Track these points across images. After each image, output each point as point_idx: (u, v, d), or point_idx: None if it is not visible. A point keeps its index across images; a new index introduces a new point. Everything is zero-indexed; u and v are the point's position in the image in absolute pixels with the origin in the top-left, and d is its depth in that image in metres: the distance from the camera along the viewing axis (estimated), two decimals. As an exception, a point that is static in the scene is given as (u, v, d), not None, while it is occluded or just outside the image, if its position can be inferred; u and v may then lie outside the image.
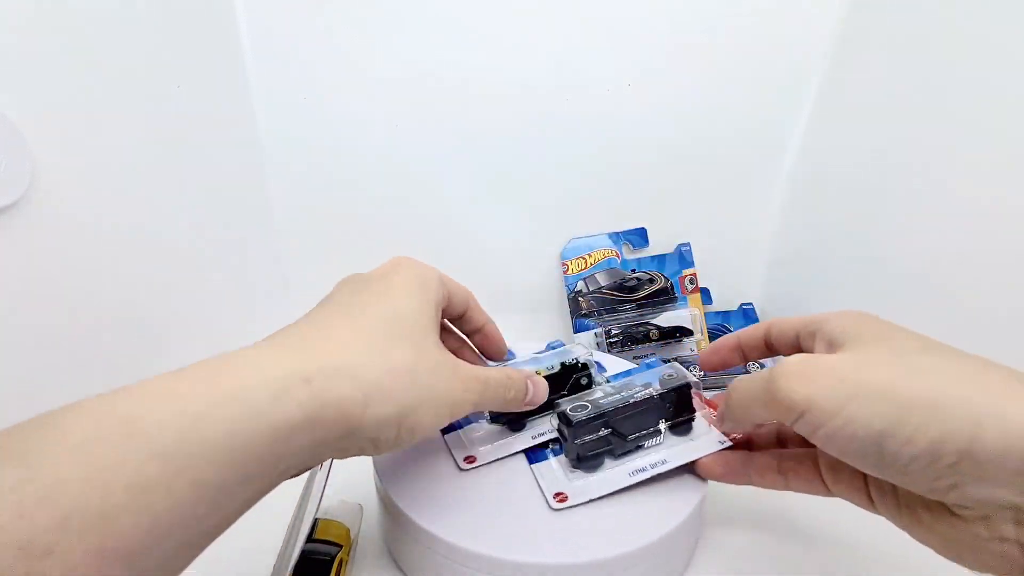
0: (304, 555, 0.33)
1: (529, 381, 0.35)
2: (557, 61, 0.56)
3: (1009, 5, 0.40)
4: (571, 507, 0.33)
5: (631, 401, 0.35)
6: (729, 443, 0.35)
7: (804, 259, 0.61)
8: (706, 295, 0.64)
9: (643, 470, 0.35)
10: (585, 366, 0.40)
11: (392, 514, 0.34)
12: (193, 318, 0.50)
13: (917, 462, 0.23)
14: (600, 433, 0.35)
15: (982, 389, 0.23)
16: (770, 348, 0.34)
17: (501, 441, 0.38)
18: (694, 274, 0.63)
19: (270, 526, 0.33)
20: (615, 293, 0.61)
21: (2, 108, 0.34)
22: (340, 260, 0.57)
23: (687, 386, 0.36)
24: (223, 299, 0.54)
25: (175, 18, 0.47)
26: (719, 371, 0.36)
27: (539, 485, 0.35)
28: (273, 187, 0.60)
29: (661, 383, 0.36)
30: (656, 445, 0.36)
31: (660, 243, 0.63)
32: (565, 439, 0.35)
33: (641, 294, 0.61)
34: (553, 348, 0.44)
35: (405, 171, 0.59)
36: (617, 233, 0.62)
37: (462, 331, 0.37)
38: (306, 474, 0.35)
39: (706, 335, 0.61)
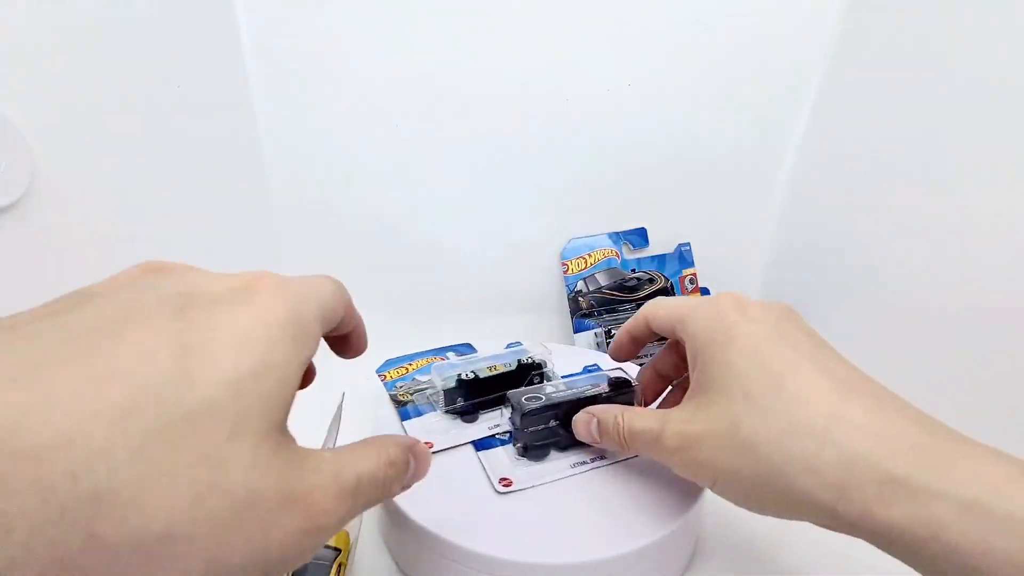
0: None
1: (410, 454, 0.24)
2: (557, 61, 0.56)
3: (1009, 4, 0.40)
4: (516, 491, 0.34)
5: (580, 397, 0.36)
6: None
7: (804, 259, 0.61)
8: (706, 295, 0.62)
9: (583, 463, 0.36)
10: (540, 365, 0.43)
11: (392, 515, 0.34)
12: None
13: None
14: (549, 424, 0.36)
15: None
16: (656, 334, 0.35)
17: (455, 431, 0.40)
18: (694, 274, 0.63)
19: None
20: (615, 293, 0.61)
21: (2, 108, 0.34)
22: (341, 259, 0.61)
23: (630, 385, 0.37)
24: None
25: (175, 18, 0.47)
26: (629, 360, 0.38)
27: (485, 470, 0.36)
28: (274, 186, 0.59)
29: (608, 383, 0.38)
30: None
31: (660, 243, 0.64)
32: (516, 427, 0.37)
33: (641, 294, 0.61)
34: (511, 347, 0.46)
35: (405, 171, 0.59)
36: (617, 233, 0.62)
37: (333, 348, 0.27)
38: None
39: None
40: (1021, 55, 0.40)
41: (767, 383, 0.26)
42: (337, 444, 0.38)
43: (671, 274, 0.63)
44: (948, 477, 0.21)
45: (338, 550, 0.34)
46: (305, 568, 0.32)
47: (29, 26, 0.36)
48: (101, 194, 0.42)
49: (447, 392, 0.40)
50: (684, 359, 0.32)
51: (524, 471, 0.36)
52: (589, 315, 0.62)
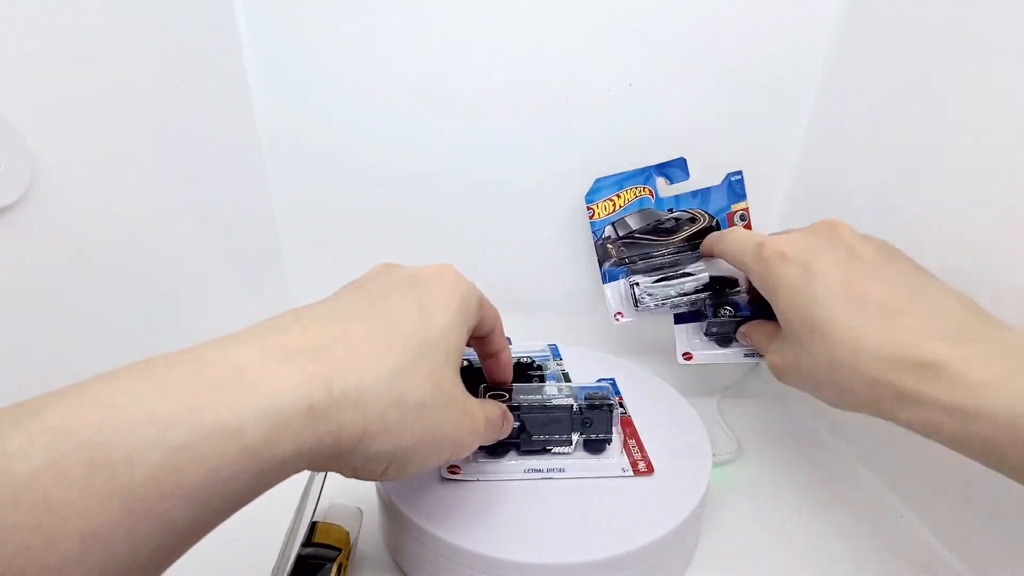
0: (302, 559, 0.33)
1: (505, 418, 0.35)
2: (557, 60, 0.56)
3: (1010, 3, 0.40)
4: (462, 480, 0.36)
5: (544, 404, 0.37)
6: (631, 473, 0.37)
7: None
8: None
9: (539, 471, 0.37)
10: (540, 367, 0.44)
11: (392, 515, 0.35)
12: (193, 318, 0.50)
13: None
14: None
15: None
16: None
17: None
18: (745, 209, 0.52)
19: (269, 529, 0.34)
20: (649, 237, 0.52)
21: (2, 108, 0.35)
22: (341, 259, 0.62)
23: (609, 408, 0.37)
24: (224, 298, 0.55)
25: (175, 18, 0.48)
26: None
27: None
28: (274, 186, 0.60)
29: (586, 398, 0.38)
30: (564, 454, 0.38)
31: (704, 175, 0.53)
32: None
33: (680, 236, 0.51)
34: (551, 347, 0.50)
35: (406, 170, 0.59)
36: (650, 167, 0.52)
37: (478, 353, 0.37)
38: (305, 476, 0.37)
39: None
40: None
41: (805, 323, 0.34)
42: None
43: (717, 211, 0.52)
44: (939, 387, 0.28)
45: (338, 550, 0.34)
46: (306, 567, 0.33)
47: (29, 26, 0.37)
48: (101, 194, 0.42)
49: None
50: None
51: (479, 464, 0.37)
52: (620, 264, 0.53)
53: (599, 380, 0.46)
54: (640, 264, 0.52)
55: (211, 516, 0.19)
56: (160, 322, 0.46)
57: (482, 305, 0.31)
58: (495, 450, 0.37)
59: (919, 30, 0.46)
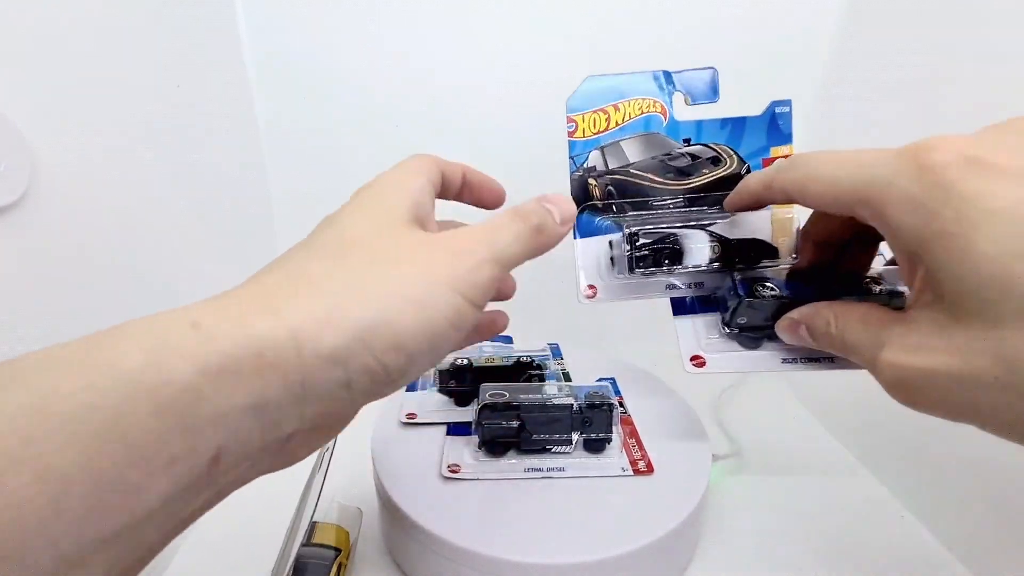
0: (302, 559, 0.33)
1: (544, 203, 0.26)
2: (557, 61, 0.55)
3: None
4: (462, 480, 0.36)
5: (544, 404, 0.36)
6: (631, 472, 0.37)
7: None
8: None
9: (538, 470, 0.36)
10: (539, 366, 0.43)
11: (392, 514, 0.35)
12: None
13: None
14: (511, 423, 0.36)
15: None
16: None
17: (441, 412, 0.42)
18: (789, 155, 0.36)
19: (269, 529, 0.34)
20: (652, 177, 0.36)
21: (2, 108, 0.35)
22: None
23: (609, 407, 0.37)
24: None
25: (175, 17, 0.48)
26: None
27: (443, 453, 0.37)
28: (274, 186, 0.60)
29: (586, 397, 0.38)
30: (564, 453, 0.38)
31: (740, 101, 0.36)
32: (475, 419, 0.37)
33: (695, 181, 0.35)
34: (551, 345, 0.50)
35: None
36: (667, 73, 0.35)
37: (465, 199, 0.33)
38: (305, 476, 0.36)
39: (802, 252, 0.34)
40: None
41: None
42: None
43: (751, 153, 0.36)
44: None
45: (338, 550, 0.34)
46: (305, 567, 0.32)
47: (29, 26, 0.36)
48: (101, 194, 0.42)
49: (440, 373, 0.42)
50: (849, 221, 0.26)
51: (479, 463, 0.37)
52: (605, 210, 0.37)
53: (599, 380, 0.46)
54: (631, 215, 0.36)
55: (115, 469, 0.17)
56: None
57: (438, 162, 0.28)
58: (495, 449, 0.37)
59: (919, 33, 0.46)
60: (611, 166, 0.36)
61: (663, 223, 0.34)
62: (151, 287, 0.46)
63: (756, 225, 0.33)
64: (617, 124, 0.36)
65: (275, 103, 0.56)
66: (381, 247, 0.22)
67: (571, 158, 0.36)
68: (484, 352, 0.44)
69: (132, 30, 0.43)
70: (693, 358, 0.34)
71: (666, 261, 0.33)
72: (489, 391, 0.37)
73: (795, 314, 0.29)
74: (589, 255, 0.35)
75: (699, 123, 0.36)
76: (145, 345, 0.17)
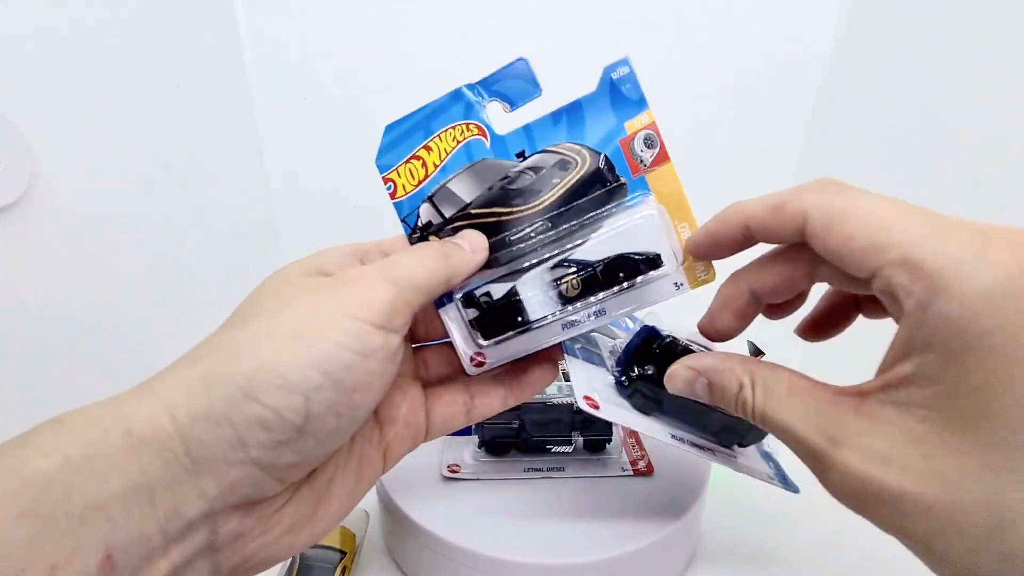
0: (306, 561, 0.33)
1: (458, 240, 0.26)
2: (558, 63, 0.53)
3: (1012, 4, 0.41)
4: (462, 480, 0.36)
5: (544, 403, 0.36)
6: (631, 472, 0.36)
7: None
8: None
9: (538, 470, 0.36)
10: None
11: (392, 515, 0.35)
12: (193, 317, 0.51)
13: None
14: (511, 423, 0.36)
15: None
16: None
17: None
18: (651, 125, 0.28)
19: None
20: (497, 210, 0.29)
21: (2, 108, 0.35)
22: None
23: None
24: (223, 299, 0.61)
25: (175, 18, 0.48)
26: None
27: (443, 453, 0.37)
28: (274, 187, 0.60)
29: None
30: (564, 453, 0.37)
31: (569, 85, 0.30)
32: (478, 424, 0.37)
33: (549, 197, 0.28)
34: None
35: None
36: (472, 86, 0.29)
37: None
38: None
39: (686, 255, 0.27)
40: None
41: None
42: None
43: (601, 140, 0.28)
44: None
45: (343, 552, 0.34)
46: (310, 569, 0.33)
47: (29, 26, 0.37)
48: (101, 194, 0.42)
49: None
50: (807, 273, 0.22)
51: (479, 463, 0.37)
52: None
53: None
54: (498, 259, 0.28)
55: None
56: (160, 320, 0.47)
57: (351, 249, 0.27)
58: (495, 449, 0.37)
59: (918, 38, 0.47)
60: (447, 214, 0.29)
61: (529, 259, 0.27)
62: (151, 286, 0.46)
63: (631, 233, 0.27)
64: (435, 166, 0.29)
65: (275, 103, 0.57)
66: (271, 304, 0.21)
67: (402, 221, 0.29)
68: None
69: (132, 30, 0.44)
70: (586, 398, 0.30)
71: (519, 319, 0.27)
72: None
73: (694, 362, 0.24)
74: (459, 323, 0.28)
75: (527, 128, 0.29)
76: (4, 449, 0.16)
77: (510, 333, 0.27)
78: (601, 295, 0.27)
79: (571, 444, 0.37)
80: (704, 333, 0.25)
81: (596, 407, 0.30)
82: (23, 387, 0.37)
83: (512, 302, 0.27)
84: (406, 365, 0.27)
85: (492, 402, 0.28)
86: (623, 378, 0.32)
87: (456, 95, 0.29)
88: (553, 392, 0.37)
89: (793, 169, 0.62)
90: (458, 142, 0.29)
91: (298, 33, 0.55)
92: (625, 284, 0.27)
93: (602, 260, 0.27)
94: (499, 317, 0.27)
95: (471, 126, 0.29)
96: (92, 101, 0.41)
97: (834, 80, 0.56)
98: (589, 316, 0.27)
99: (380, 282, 0.21)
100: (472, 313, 0.27)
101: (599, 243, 0.27)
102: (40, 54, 0.38)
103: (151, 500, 0.17)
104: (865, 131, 0.53)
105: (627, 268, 0.27)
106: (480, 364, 0.28)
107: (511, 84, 0.29)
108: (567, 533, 0.32)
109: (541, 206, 0.28)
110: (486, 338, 0.27)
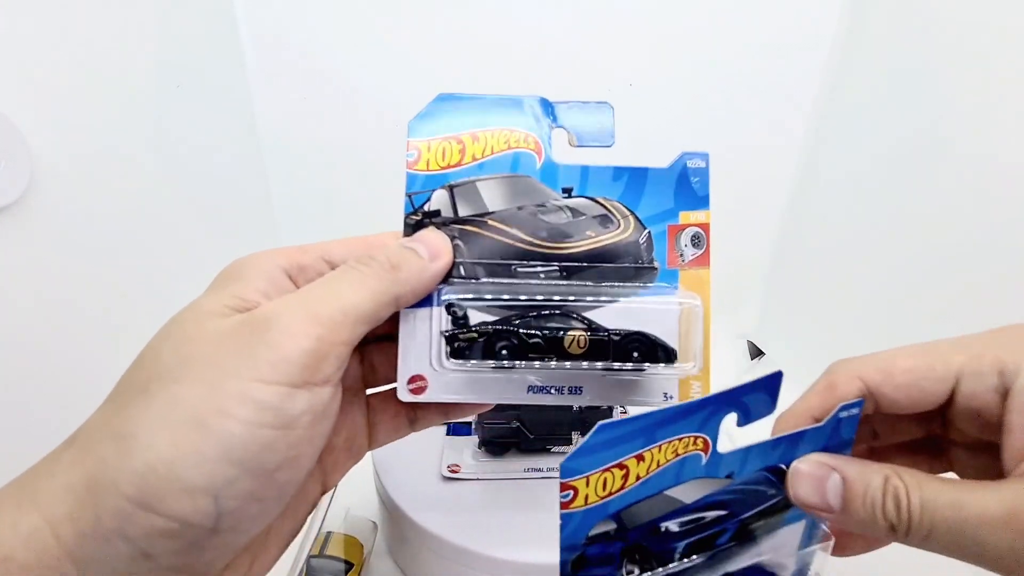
0: (313, 571, 0.33)
1: (412, 244, 0.22)
2: (557, 62, 0.56)
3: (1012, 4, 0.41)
4: (462, 480, 0.36)
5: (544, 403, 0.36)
6: None
7: (806, 266, 0.61)
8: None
9: (538, 470, 0.37)
10: None
11: (392, 515, 0.35)
12: None
13: None
14: (510, 424, 0.36)
15: None
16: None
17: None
18: (704, 225, 0.26)
19: None
20: (517, 233, 0.26)
21: (2, 108, 0.35)
22: None
23: (608, 407, 0.37)
24: None
25: (175, 18, 0.48)
26: None
27: (443, 453, 0.37)
28: (274, 187, 0.60)
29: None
30: (564, 453, 0.36)
31: (642, 149, 0.28)
32: (478, 423, 0.38)
33: (577, 245, 0.26)
34: None
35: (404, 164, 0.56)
36: (547, 102, 0.26)
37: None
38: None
39: (708, 363, 0.25)
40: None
41: None
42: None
43: (653, 216, 0.26)
44: None
45: (350, 564, 0.34)
46: None
47: (29, 26, 0.37)
48: (101, 194, 0.42)
49: None
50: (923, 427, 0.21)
51: (479, 463, 0.37)
52: (445, 281, 0.24)
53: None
54: (482, 280, 0.25)
55: None
56: (160, 321, 0.46)
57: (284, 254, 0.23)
58: (495, 449, 0.37)
59: (918, 38, 0.47)
60: (462, 212, 0.25)
61: (523, 297, 0.24)
62: (150, 286, 0.46)
63: (653, 316, 0.24)
64: (474, 159, 0.26)
65: (275, 103, 0.57)
66: (170, 365, 0.18)
67: (408, 196, 0.26)
68: None
69: (132, 30, 0.44)
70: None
71: (504, 352, 0.23)
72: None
73: (828, 460, 0.20)
74: (417, 333, 0.24)
75: (585, 169, 0.26)
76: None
77: (489, 363, 0.24)
78: (600, 365, 0.24)
79: (571, 444, 0.37)
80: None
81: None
82: (23, 387, 0.36)
83: (507, 330, 0.24)
84: (349, 378, 0.23)
85: (436, 417, 0.26)
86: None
87: (530, 102, 0.26)
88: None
89: (793, 168, 0.61)
90: (509, 146, 0.26)
91: (298, 33, 0.55)
92: (630, 365, 0.24)
93: (622, 330, 0.24)
94: (484, 340, 0.23)
95: (530, 138, 0.26)
96: (92, 101, 0.41)
97: (834, 80, 0.57)
98: (563, 390, 0.25)
99: (301, 324, 0.18)
100: (448, 324, 0.23)
101: (623, 311, 0.24)
102: (40, 54, 0.38)
103: None
104: (865, 131, 0.54)
105: (644, 349, 0.24)
106: (418, 391, 0.24)
107: (586, 123, 0.27)
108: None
109: (564, 251, 0.26)
110: (453, 358, 0.23)
